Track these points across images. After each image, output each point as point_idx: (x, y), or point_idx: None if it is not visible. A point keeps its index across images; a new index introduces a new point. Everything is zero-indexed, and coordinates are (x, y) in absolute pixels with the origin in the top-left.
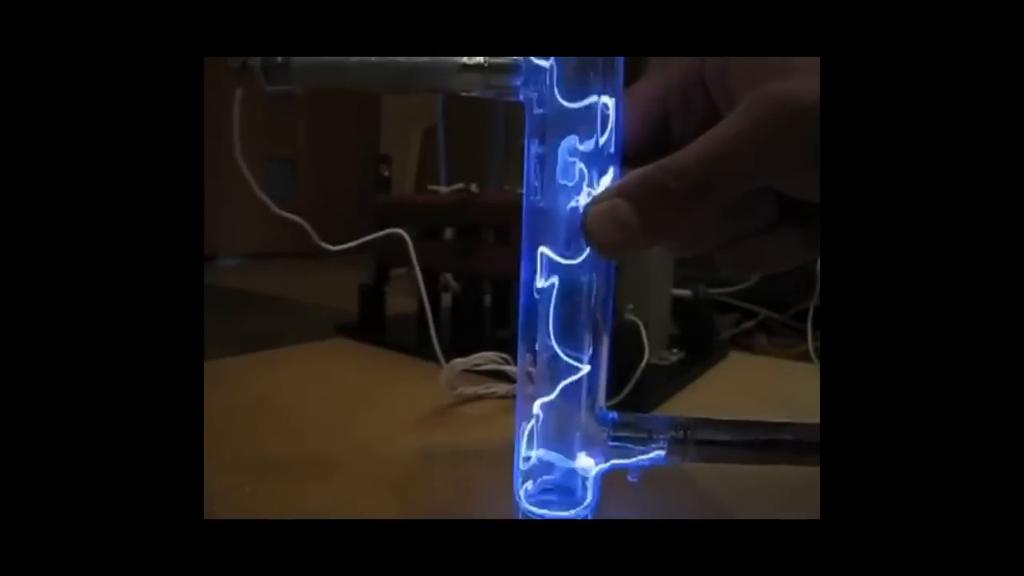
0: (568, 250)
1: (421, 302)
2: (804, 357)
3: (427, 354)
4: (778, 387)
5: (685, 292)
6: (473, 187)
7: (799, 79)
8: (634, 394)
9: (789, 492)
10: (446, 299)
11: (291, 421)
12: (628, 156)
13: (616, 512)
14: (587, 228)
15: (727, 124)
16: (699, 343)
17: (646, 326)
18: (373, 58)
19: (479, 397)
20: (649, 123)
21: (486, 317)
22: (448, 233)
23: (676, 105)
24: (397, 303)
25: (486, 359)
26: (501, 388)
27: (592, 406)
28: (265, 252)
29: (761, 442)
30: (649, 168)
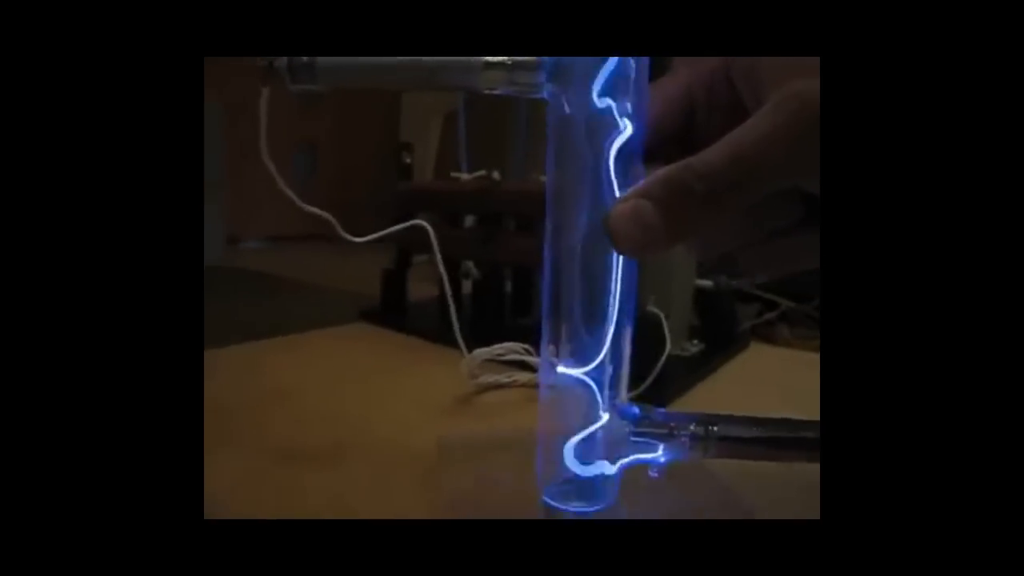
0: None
1: (443, 290)
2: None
3: (448, 340)
4: (798, 381)
5: (707, 282)
6: (495, 174)
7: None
8: (655, 385)
9: (807, 487)
10: (467, 286)
11: (311, 410)
12: (651, 151)
13: (636, 508)
14: (610, 228)
15: (754, 123)
16: (720, 334)
17: (667, 317)
18: (397, 58)
19: (501, 386)
20: (674, 118)
21: (507, 305)
22: (469, 220)
23: (702, 100)
24: (419, 289)
25: (508, 349)
26: (523, 376)
27: (614, 399)
28: (288, 235)
29: (782, 439)
30: (673, 167)
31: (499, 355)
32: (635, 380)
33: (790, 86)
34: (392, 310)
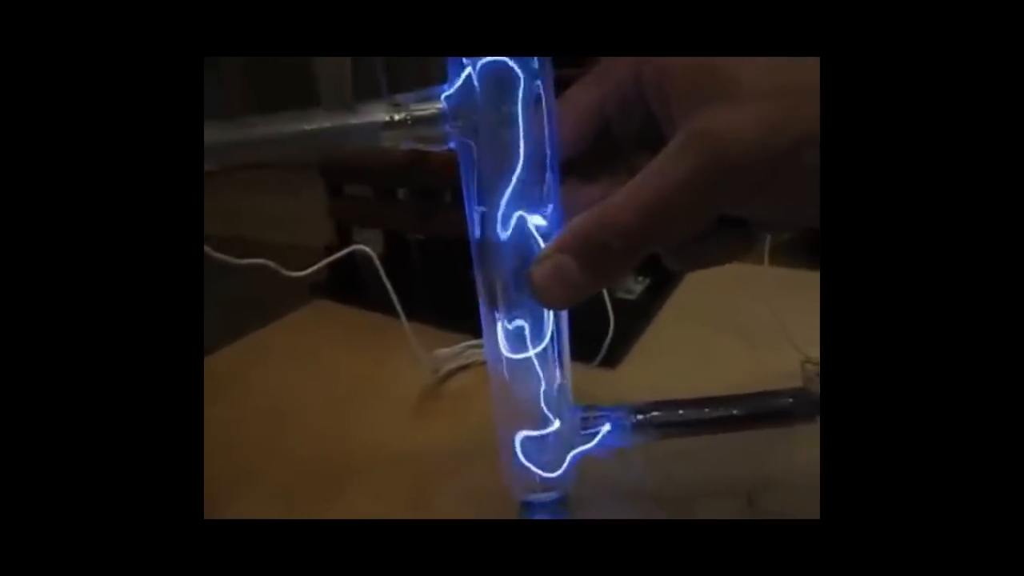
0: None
1: (383, 282)
2: (759, 260)
3: (407, 314)
4: (739, 302)
5: None
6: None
7: (743, 110)
8: (608, 350)
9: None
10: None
11: (289, 428)
12: (569, 163)
13: None
14: (535, 288)
15: (661, 170)
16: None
17: None
18: (292, 128)
19: (462, 368)
20: (588, 129)
21: (457, 269)
22: (404, 193)
23: (615, 112)
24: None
25: (466, 347)
26: (480, 354)
27: (560, 391)
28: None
29: (713, 419)
30: (589, 221)
31: (458, 354)
32: (589, 347)
33: (698, 122)
34: (342, 285)
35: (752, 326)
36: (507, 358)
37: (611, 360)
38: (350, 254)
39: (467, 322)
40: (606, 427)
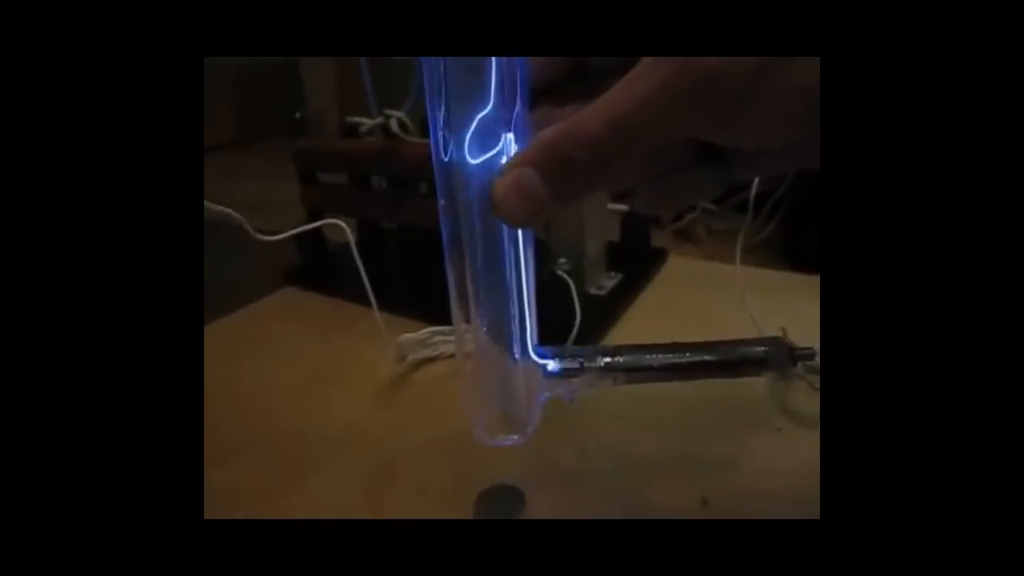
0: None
1: (356, 269)
2: (731, 259)
3: (378, 303)
4: (713, 301)
5: (621, 206)
6: (395, 122)
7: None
8: (576, 341)
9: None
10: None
11: (250, 415)
12: (543, 89)
13: None
14: (494, 200)
15: (636, 80)
16: (637, 257)
17: (582, 263)
18: None
19: (429, 359)
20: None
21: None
22: (378, 180)
23: None
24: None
25: (433, 333)
26: (446, 346)
27: (526, 345)
28: None
29: (684, 364)
30: (555, 133)
31: (424, 339)
32: (555, 339)
33: None
34: (316, 272)
35: (724, 324)
36: (470, 295)
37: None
38: (322, 237)
39: (439, 312)
40: (571, 366)
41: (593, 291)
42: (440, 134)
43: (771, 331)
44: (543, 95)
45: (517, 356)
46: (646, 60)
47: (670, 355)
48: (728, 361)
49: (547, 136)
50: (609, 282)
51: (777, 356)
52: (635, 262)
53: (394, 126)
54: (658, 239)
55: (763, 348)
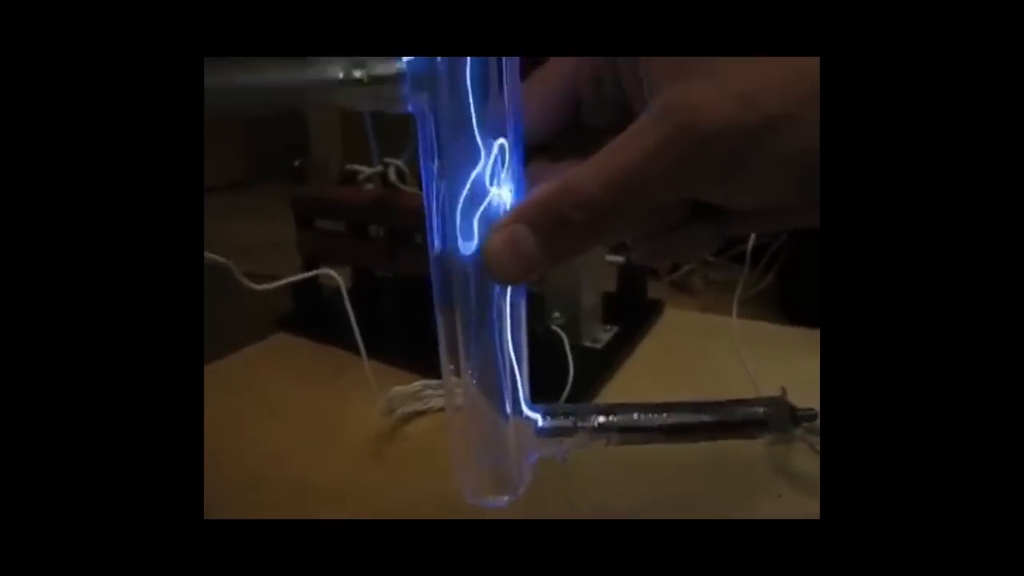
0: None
1: (348, 317)
2: (727, 312)
3: (368, 351)
4: (710, 356)
5: (618, 258)
6: (394, 170)
7: (716, 83)
8: (568, 399)
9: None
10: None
11: (233, 463)
12: (537, 145)
13: None
14: (487, 258)
15: (632, 139)
16: (633, 309)
17: (576, 320)
18: (241, 80)
19: (418, 413)
20: (558, 111)
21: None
22: (375, 229)
23: (586, 91)
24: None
25: (424, 386)
26: (437, 399)
27: (518, 401)
28: None
29: (681, 424)
30: (550, 190)
31: (415, 392)
32: (549, 394)
33: (672, 94)
34: (308, 317)
35: (720, 379)
36: (460, 347)
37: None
38: (316, 284)
39: (432, 364)
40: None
41: (588, 344)
42: (433, 185)
43: (769, 388)
44: (539, 151)
45: (508, 412)
46: (643, 118)
47: (666, 415)
48: (727, 422)
49: (542, 194)
50: (605, 335)
51: (778, 417)
52: (631, 314)
53: (392, 175)
54: (655, 290)
55: (763, 409)
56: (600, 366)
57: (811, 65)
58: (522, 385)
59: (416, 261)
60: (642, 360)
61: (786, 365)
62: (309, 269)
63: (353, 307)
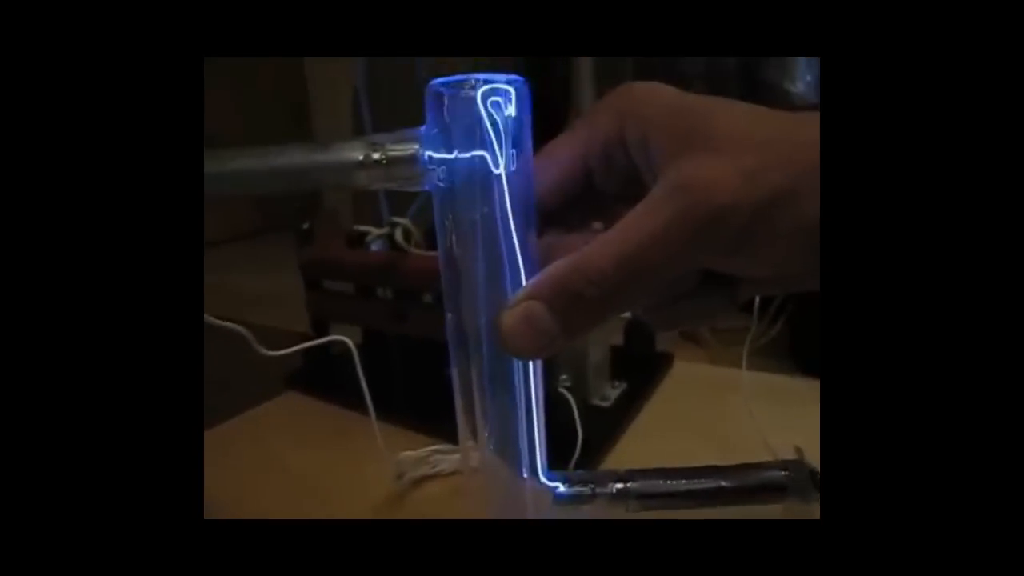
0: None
1: (358, 378)
2: (737, 364)
3: (377, 412)
4: (719, 411)
5: (624, 314)
6: (400, 231)
7: (721, 160)
8: (578, 462)
9: None
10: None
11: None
12: (550, 216)
13: None
14: (502, 333)
15: (642, 217)
16: (641, 365)
17: (585, 377)
18: (263, 164)
19: (427, 477)
20: (571, 180)
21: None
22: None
23: (598, 164)
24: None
25: (432, 451)
26: (447, 463)
27: (534, 470)
28: None
29: (699, 491)
30: (564, 268)
31: (424, 458)
32: (559, 456)
33: (681, 171)
34: (318, 377)
35: (732, 434)
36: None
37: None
38: (327, 345)
39: (443, 425)
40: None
41: (596, 402)
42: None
43: (780, 442)
44: (552, 220)
45: (525, 476)
46: (654, 194)
47: (686, 481)
48: (747, 487)
49: (556, 271)
50: (613, 391)
51: (798, 481)
52: (639, 369)
53: (399, 236)
54: (663, 341)
55: (783, 473)
56: (609, 425)
57: (809, 137)
58: (540, 452)
59: (425, 322)
60: (652, 417)
61: (797, 418)
62: (317, 328)
63: (362, 366)
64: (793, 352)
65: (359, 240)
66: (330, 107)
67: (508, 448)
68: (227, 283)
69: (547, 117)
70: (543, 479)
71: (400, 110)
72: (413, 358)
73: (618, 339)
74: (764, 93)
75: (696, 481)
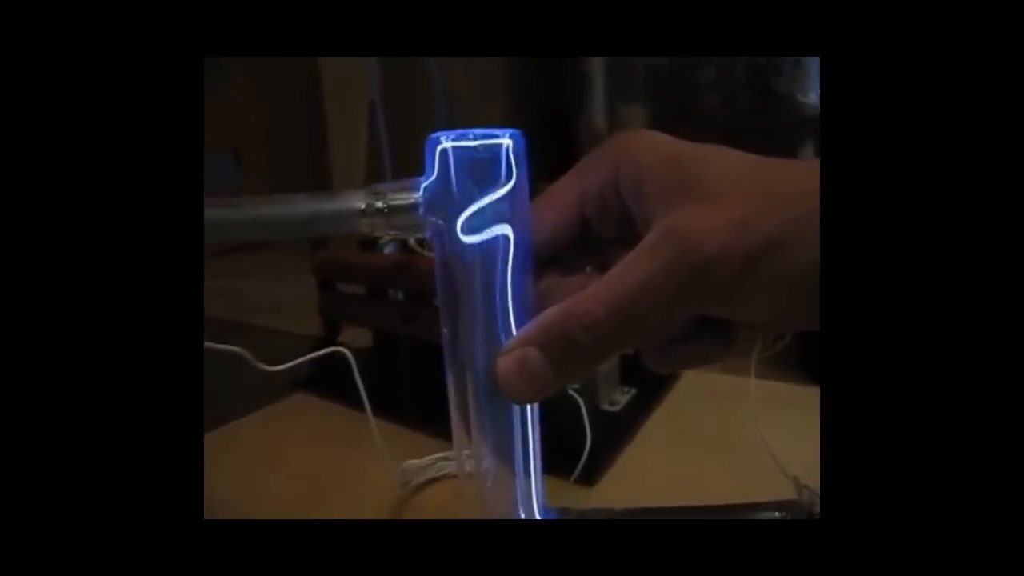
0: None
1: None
2: (745, 373)
3: (387, 415)
4: (728, 421)
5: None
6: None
7: (712, 209)
8: (587, 463)
9: None
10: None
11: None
12: (547, 259)
13: None
14: (499, 380)
15: (631, 267)
16: (650, 372)
17: (594, 383)
18: (273, 210)
19: (432, 480)
20: (567, 225)
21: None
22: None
23: (594, 210)
24: (357, 336)
25: (436, 459)
26: (451, 466)
27: (532, 502)
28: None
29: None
30: (558, 315)
31: (427, 466)
32: (567, 460)
33: (670, 220)
34: (327, 379)
35: (739, 444)
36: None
37: (589, 476)
38: (335, 343)
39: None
40: None
41: (606, 407)
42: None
43: (787, 454)
44: (549, 265)
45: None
46: (646, 241)
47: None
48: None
49: (549, 318)
50: (622, 397)
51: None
52: (649, 376)
53: (412, 240)
54: None
55: (778, 513)
56: (618, 430)
57: (804, 186)
58: (536, 488)
59: (435, 324)
60: (660, 423)
61: (804, 428)
62: (330, 330)
63: (373, 368)
64: (803, 362)
65: (372, 244)
66: (346, 120)
67: (504, 468)
68: (242, 288)
69: (559, 133)
70: (539, 516)
71: (417, 121)
72: (423, 360)
73: None
74: (775, 104)
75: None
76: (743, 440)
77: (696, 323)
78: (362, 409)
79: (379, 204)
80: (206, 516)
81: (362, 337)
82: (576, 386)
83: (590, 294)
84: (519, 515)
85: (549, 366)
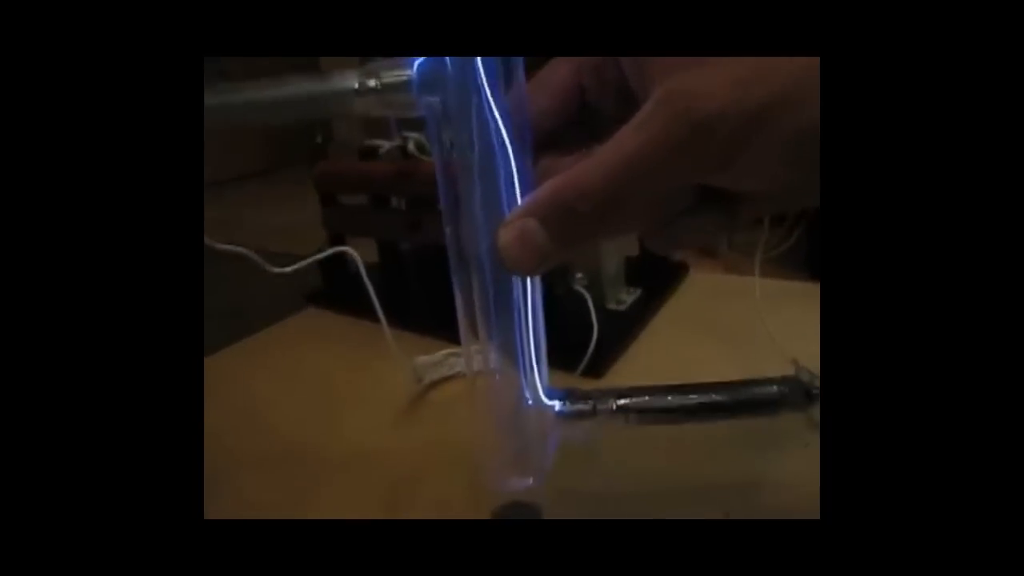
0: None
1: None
2: (750, 271)
3: (397, 322)
4: (731, 318)
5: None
6: (413, 142)
7: (713, 70)
8: (593, 358)
9: None
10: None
11: (268, 430)
12: (547, 138)
13: None
14: (500, 251)
15: (630, 132)
16: (656, 272)
17: (600, 277)
18: (265, 94)
19: (446, 379)
20: (565, 100)
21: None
22: (397, 200)
23: (592, 83)
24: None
25: (447, 355)
26: (461, 363)
27: (536, 383)
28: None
29: (698, 405)
30: (557, 184)
31: (438, 363)
32: (574, 354)
33: (671, 83)
34: (337, 293)
35: (743, 339)
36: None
37: (596, 370)
38: (343, 260)
39: (458, 330)
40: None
41: (612, 306)
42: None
43: (792, 346)
44: (547, 145)
45: (529, 400)
46: (646, 107)
47: (683, 397)
48: (742, 402)
49: (549, 188)
50: (628, 297)
51: (792, 397)
52: (655, 277)
53: (411, 147)
54: (678, 253)
55: (777, 388)
56: (623, 328)
57: (804, 62)
58: (540, 373)
59: (439, 229)
60: (665, 322)
61: (808, 323)
62: (334, 244)
63: (379, 278)
64: (808, 259)
65: (372, 154)
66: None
67: (510, 360)
68: (242, 217)
69: None
70: (543, 398)
71: None
72: (428, 267)
73: (633, 250)
74: None
75: (693, 397)
76: (747, 331)
77: (697, 198)
78: (372, 319)
79: (372, 82)
80: (225, 428)
81: (368, 252)
82: (584, 282)
83: (589, 162)
84: (526, 401)
85: (548, 236)
